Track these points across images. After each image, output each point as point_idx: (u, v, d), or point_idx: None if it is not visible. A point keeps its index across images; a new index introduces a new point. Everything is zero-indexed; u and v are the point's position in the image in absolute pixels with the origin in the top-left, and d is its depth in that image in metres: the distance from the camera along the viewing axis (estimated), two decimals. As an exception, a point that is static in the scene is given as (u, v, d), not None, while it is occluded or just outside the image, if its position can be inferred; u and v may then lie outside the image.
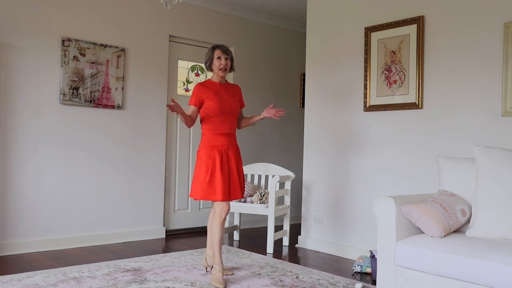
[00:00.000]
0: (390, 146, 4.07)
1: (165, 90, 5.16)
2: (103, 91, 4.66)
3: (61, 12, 4.44)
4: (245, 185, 4.86)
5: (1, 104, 4.11)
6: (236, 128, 3.60)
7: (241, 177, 3.49)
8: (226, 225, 5.31)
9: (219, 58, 3.41)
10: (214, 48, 3.45)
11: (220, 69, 3.41)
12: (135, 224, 4.92)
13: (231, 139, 3.47)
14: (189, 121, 3.38)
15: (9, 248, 4.12)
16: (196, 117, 3.44)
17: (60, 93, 4.39)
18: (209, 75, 3.66)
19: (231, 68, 3.51)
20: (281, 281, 3.39)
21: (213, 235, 3.36)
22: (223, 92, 3.46)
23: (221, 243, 3.35)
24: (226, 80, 3.57)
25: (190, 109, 3.42)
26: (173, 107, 3.16)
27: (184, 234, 5.33)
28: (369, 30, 4.23)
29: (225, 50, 3.43)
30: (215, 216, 3.35)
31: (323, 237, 4.59)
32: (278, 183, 4.61)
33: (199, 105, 3.41)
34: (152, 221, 5.05)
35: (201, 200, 5.52)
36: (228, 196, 3.34)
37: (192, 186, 3.40)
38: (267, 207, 4.51)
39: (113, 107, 4.73)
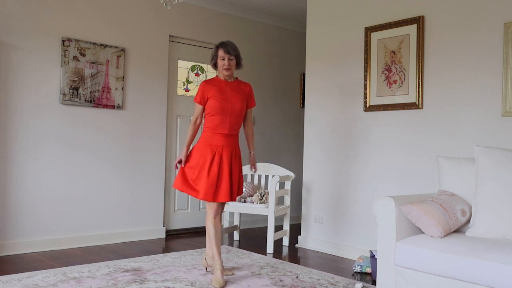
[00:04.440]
0: (390, 146, 4.07)
1: (165, 90, 5.16)
2: (103, 91, 4.66)
3: (61, 12, 4.44)
4: (245, 185, 4.85)
5: (1, 104, 4.11)
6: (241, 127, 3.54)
7: (235, 180, 3.39)
8: (226, 225, 5.32)
9: (222, 59, 3.37)
10: (217, 47, 3.39)
11: (224, 68, 3.39)
12: (135, 224, 4.91)
13: (230, 140, 3.40)
14: (196, 131, 3.47)
15: (9, 248, 4.12)
16: (202, 117, 3.45)
17: (60, 93, 4.39)
18: (214, 72, 3.62)
19: (238, 65, 3.45)
20: (281, 281, 3.39)
21: (207, 234, 3.38)
22: (228, 90, 3.40)
23: (217, 241, 3.31)
24: (236, 78, 3.52)
25: (197, 108, 3.41)
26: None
27: (184, 234, 5.33)
28: (369, 30, 4.23)
29: (228, 51, 3.34)
30: (206, 215, 3.38)
31: (323, 237, 4.59)
32: (278, 183, 4.61)
33: (205, 104, 3.39)
34: (152, 221, 5.05)
35: (201, 200, 5.53)
36: (212, 197, 3.27)
37: (177, 176, 3.39)
38: (267, 207, 4.51)
39: (113, 107, 4.72)
